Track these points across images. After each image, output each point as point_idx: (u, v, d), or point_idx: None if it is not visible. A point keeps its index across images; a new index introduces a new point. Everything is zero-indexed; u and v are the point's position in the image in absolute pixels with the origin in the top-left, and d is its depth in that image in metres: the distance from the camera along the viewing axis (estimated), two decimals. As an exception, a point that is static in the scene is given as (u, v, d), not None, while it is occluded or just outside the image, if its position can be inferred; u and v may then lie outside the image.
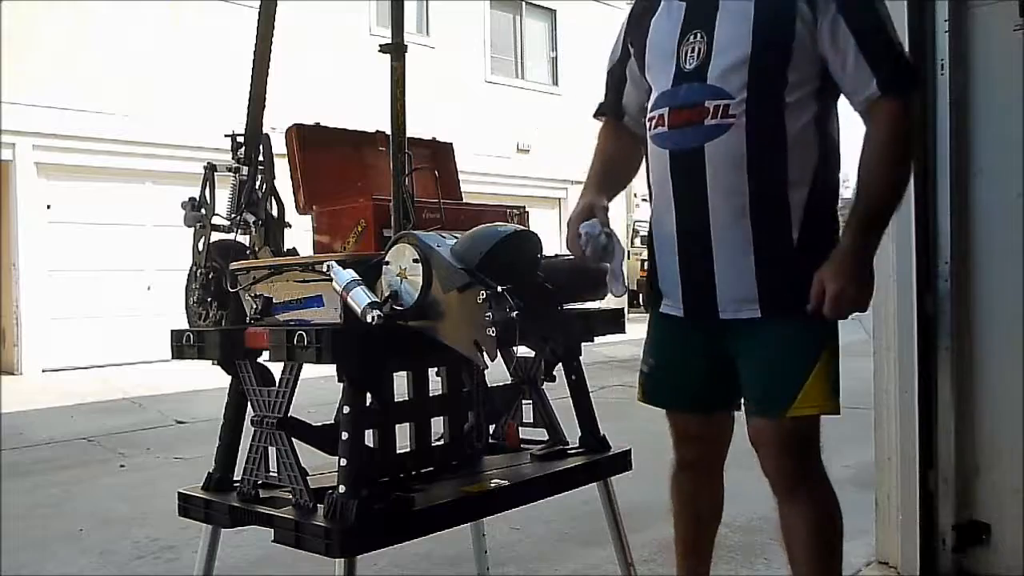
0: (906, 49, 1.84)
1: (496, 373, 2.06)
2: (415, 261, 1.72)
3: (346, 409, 1.78)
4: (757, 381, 1.89)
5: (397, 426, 2.09)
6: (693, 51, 1.84)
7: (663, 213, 1.93)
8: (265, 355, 1.94)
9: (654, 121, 1.91)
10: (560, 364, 2.32)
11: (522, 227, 1.98)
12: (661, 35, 1.92)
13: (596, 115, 2.19)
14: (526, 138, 14.61)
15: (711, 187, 1.81)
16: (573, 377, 2.32)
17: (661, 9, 1.94)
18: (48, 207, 9.49)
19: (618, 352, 9.94)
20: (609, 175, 2.09)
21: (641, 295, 2.15)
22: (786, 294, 1.82)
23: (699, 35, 1.84)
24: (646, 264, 2.20)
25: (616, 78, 2.10)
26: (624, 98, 2.09)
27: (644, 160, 2.02)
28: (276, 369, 1.96)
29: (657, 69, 1.92)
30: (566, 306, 2.07)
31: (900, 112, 1.78)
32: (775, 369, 1.86)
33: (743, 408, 1.94)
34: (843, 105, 1.88)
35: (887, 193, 1.81)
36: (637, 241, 19.27)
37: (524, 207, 2.43)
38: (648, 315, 2.08)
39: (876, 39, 1.78)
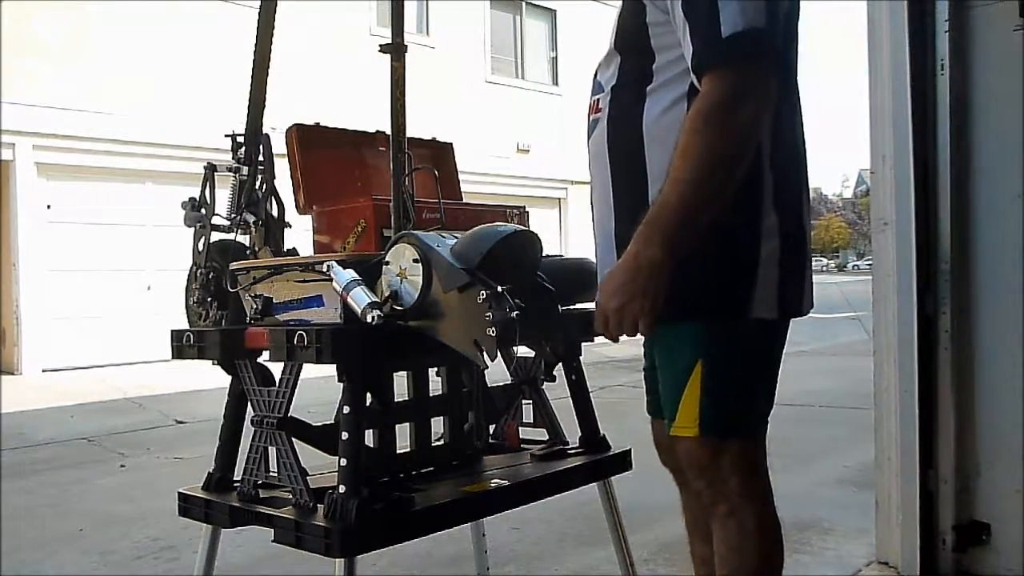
0: (742, 12, 1.45)
1: (496, 373, 2.06)
2: (415, 261, 1.72)
3: (346, 409, 1.78)
4: (656, 388, 1.78)
5: (397, 426, 2.09)
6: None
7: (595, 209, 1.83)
8: (265, 355, 1.94)
9: (591, 109, 1.81)
10: (560, 364, 2.32)
11: (522, 227, 1.98)
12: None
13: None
14: (526, 138, 14.62)
15: (592, 184, 1.76)
16: (573, 377, 2.32)
17: None
18: (48, 207, 9.49)
19: (618, 352, 9.95)
20: None
21: None
22: (687, 297, 1.56)
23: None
24: None
25: None
26: None
27: None
28: (276, 369, 1.96)
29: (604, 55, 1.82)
30: (566, 306, 2.07)
31: (712, 95, 1.46)
32: (661, 379, 1.71)
33: None
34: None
35: (672, 192, 1.47)
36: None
37: (524, 207, 2.43)
38: None
39: (695, 12, 1.49)
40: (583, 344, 2.34)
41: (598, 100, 1.72)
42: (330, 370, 1.79)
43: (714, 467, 1.65)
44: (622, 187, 1.68)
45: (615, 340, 1.57)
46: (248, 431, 1.98)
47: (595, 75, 1.77)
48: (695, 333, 1.60)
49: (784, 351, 1.73)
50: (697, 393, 1.60)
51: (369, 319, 1.68)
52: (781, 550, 1.70)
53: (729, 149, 1.47)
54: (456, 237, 1.77)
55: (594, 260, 1.80)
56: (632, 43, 1.65)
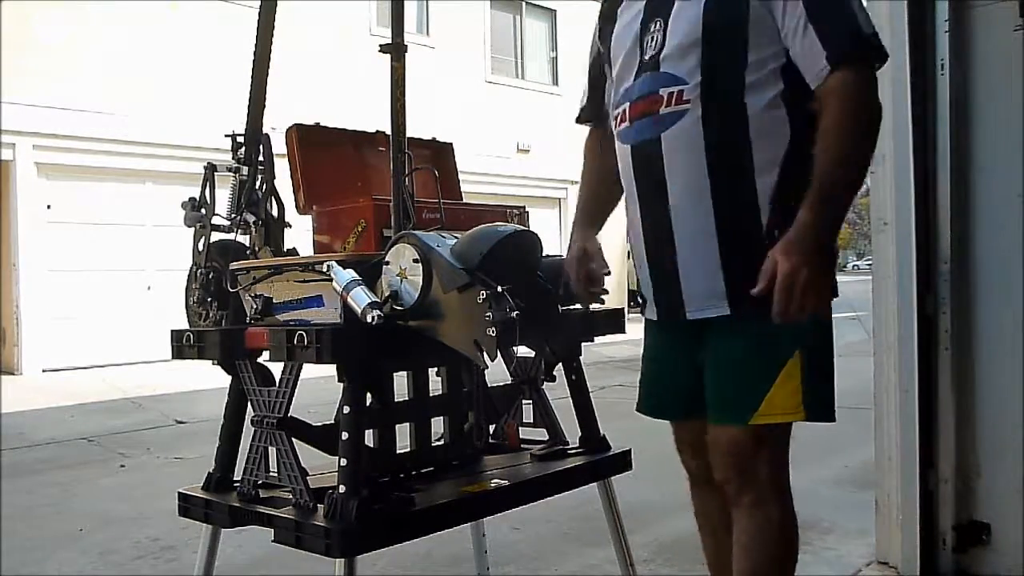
0: (867, 21, 1.65)
1: (496, 373, 2.06)
2: (415, 261, 1.73)
3: (346, 409, 1.78)
4: (717, 385, 1.76)
5: (397, 426, 2.09)
6: (653, 40, 1.74)
7: (632, 213, 1.85)
8: (265, 355, 1.94)
9: (618, 118, 1.82)
10: (560, 364, 2.32)
11: (522, 227, 1.98)
12: (624, 27, 1.82)
13: (578, 121, 2.09)
14: (526, 138, 14.61)
15: (669, 179, 1.72)
16: (573, 377, 2.32)
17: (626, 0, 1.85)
18: (48, 207, 9.49)
19: (618, 352, 9.94)
20: (597, 202, 2.02)
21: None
22: (752, 288, 1.64)
23: (659, 23, 1.73)
24: None
25: (594, 77, 1.99)
26: (605, 98, 1.96)
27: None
28: (276, 369, 1.96)
29: (622, 63, 1.82)
30: (566, 306, 2.07)
31: (854, 85, 1.61)
32: (738, 371, 1.73)
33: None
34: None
35: (838, 170, 1.60)
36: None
37: (524, 207, 2.43)
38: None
39: (827, 9, 1.62)
40: (583, 344, 2.34)
41: (680, 92, 1.68)
42: (330, 370, 1.79)
43: (769, 454, 1.74)
44: (723, 178, 1.69)
45: (800, 311, 1.58)
46: (248, 431, 1.98)
47: (651, 67, 1.73)
48: (795, 324, 1.62)
49: None
50: (796, 382, 1.68)
51: (369, 319, 1.68)
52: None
53: (873, 138, 1.66)
54: (456, 237, 1.77)
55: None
56: (723, 36, 1.67)
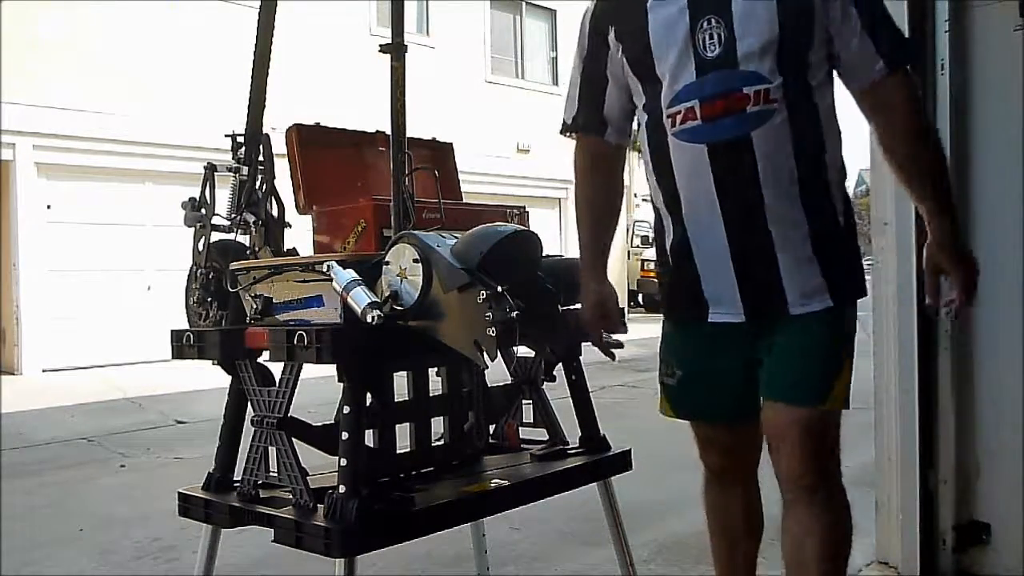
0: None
1: (496, 373, 2.06)
2: (415, 261, 1.73)
3: (346, 409, 1.78)
4: (792, 368, 1.78)
5: (397, 426, 2.09)
6: (712, 37, 1.71)
7: (702, 213, 1.77)
8: (265, 355, 1.94)
9: (680, 116, 1.74)
10: (560, 364, 2.32)
11: (522, 227, 1.98)
12: (667, 24, 1.76)
13: (568, 131, 2.00)
14: (526, 138, 14.60)
15: (763, 177, 1.71)
16: (573, 377, 2.33)
17: None
18: (48, 207, 9.48)
19: (618, 352, 9.93)
20: (606, 231, 1.98)
21: (663, 305, 2.04)
22: (846, 280, 1.78)
23: (713, 20, 1.71)
24: (663, 269, 1.95)
25: (594, 83, 1.91)
26: (606, 106, 1.91)
27: (652, 162, 1.85)
28: (276, 369, 1.96)
29: (671, 61, 1.75)
30: (566, 306, 2.07)
31: (911, 85, 1.78)
32: (816, 356, 1.78)
33: (763, 395, 1.84)
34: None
35: (937, 168, 1.80)
36: (637, 241, 19.29)
37: (524, 207, 2.43)
38: (666, 323, 1.99)
39: (878, 16, 1.75)
40: (583, 344, 2.34)
41: (767, 91, 1.69)
42: (330, 370, 1.79)
43: (835, 440, 1.79)
44: (808, 175, 1.74)
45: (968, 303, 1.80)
46: (248, 431, 1.98)
47: (722, 65, 1.71)
48: (852, 315, 1.79)
49: None
50: (849, 374, 1.78)
51: (369, 319, 1.68)
52: None
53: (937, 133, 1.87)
54: (456, 237, 1.78)
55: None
56: (794, 37, 1.70)
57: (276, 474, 1.92)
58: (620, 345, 1.94)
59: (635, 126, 1.95)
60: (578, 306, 2.01)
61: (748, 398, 1.86)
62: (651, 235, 19.58)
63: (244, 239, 2.22)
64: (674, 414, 1.97)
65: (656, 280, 2.04)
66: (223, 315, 2.14)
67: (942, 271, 1.80)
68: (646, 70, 1.80)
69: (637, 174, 21.37)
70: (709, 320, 1.83)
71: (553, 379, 2.33)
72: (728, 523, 2.02)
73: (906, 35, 1.87)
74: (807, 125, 1.73)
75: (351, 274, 1.74)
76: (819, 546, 1.76)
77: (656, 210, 1.90)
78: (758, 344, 1.81)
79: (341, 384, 1.80)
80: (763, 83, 1.69)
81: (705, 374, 1.91)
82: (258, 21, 2.23)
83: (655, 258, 2.01)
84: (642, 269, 17.88)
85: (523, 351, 2.26)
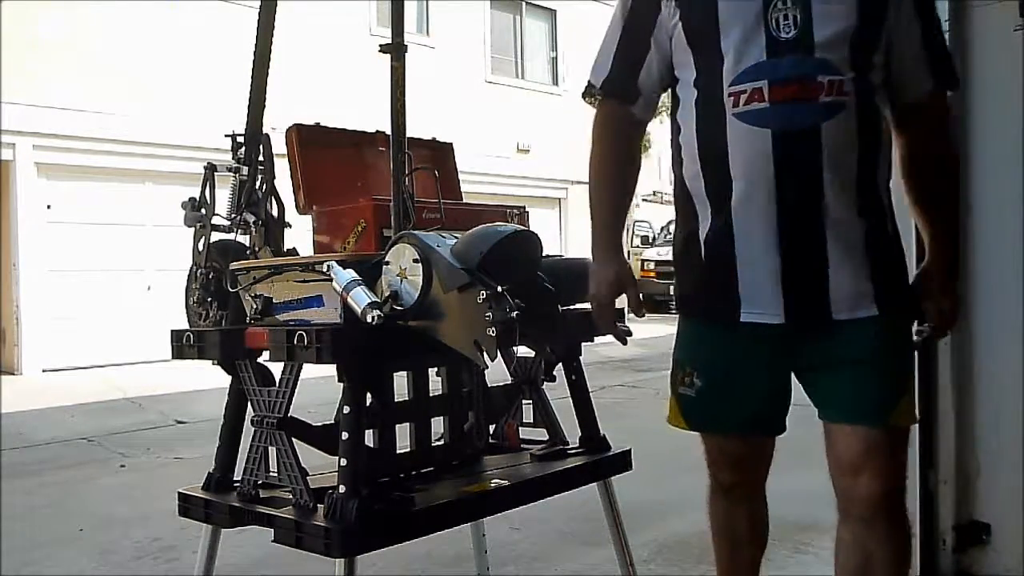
0: None
1: (496, 373, 2.06)
2: (415, 261, 1.73)
3: (346, 409, 1.78)
4: (860, 384, 1.68)
5: (397, 426, 2.09)
6: (786, 19, 1.61)
7: (756, 202, 1.64)
8: (265, 355, 1.94)
9: (745, 96, 1.62)
10: (560, 364, 2.32)
11: (522, 227, 1.98)
12: None
13: (597, 94, 1.83)
14: (526, 138, 14.61)
15: (826, 171, 1.61)
16: (573, 377, 2.33)
17: None
18: (48, 207, 9.48)
19: (618, 352, 9.94)
20: (623, 206, 1.83)
21: (682, 302, 1.84)
22: (896, 289, 1.71)
23: (790, 1, 1.61)
24: (685, 262, 1.80)
25: (635, 46, 1.75)
26: (642, 73, 1.76)
27: (698, 144, 1.70)
28: (276, 369, 1.96)
29: (738, 37, 1.63)
30: (566, 306, 2.07)
31: (949, 109, 1.79)
32: (886, 371, 1.69)
33: (826, 418, 1.73)
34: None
35: (954, 192, 1.84)
36: (637, 241, 19.29)
37: (524, 207, 2.43)
38: (685, 322, 1.84)
39: (937, 33, 1.74)
40: (583, 344, 2.34)
41: (840, 83, 1.61)
42: (330, 370, 1.79)
43: (906, 457, 1.74)
44: (865, 177, 1.67)
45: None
46: (248, 431, 1.98)
47: (798, 49, 1.61)
48: (906, 324, 1.75)
49: None
50: (914, 388, 1.75)
51: (369, 319, 1.68)
52: None
53: None
54: (456, 237, 1.78)
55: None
56: (865, 35, 1.64)
57: (276, 474, 1.93)
58: (630, 332, 1.82)
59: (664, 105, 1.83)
60: (578, 306, 2.01)
61: (772, 409, 1.78)
62: (652, 233, 19.39)
63: (244, 239, 2.22)
64: (687, 426, 1.82)
65: (675, 274, 1.85)
66: (223, 315, 2.14)
67: (929, 296, 1.75)
68: (706, 43, 1.67)
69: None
70: (742, 320, 1.69)
71: (553, 379, 2.33)
72: (734, 535, 1.95)
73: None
74: (869, 124, 1.66)
75: (351, 274, 1.74)
76: (887, 570, 1.69)
77: (685, 197, 1.76)
78: (798, 350, 1.70)
79: (341, 384, 1.80)
80: (837, 74, 1.61)
81: (729, 382, 1.77)
82: (258, 21, 2.23)
83: (675, 250, 1.85)
84: (642, 269, 17.87)
85: (523, 351, 2.26)
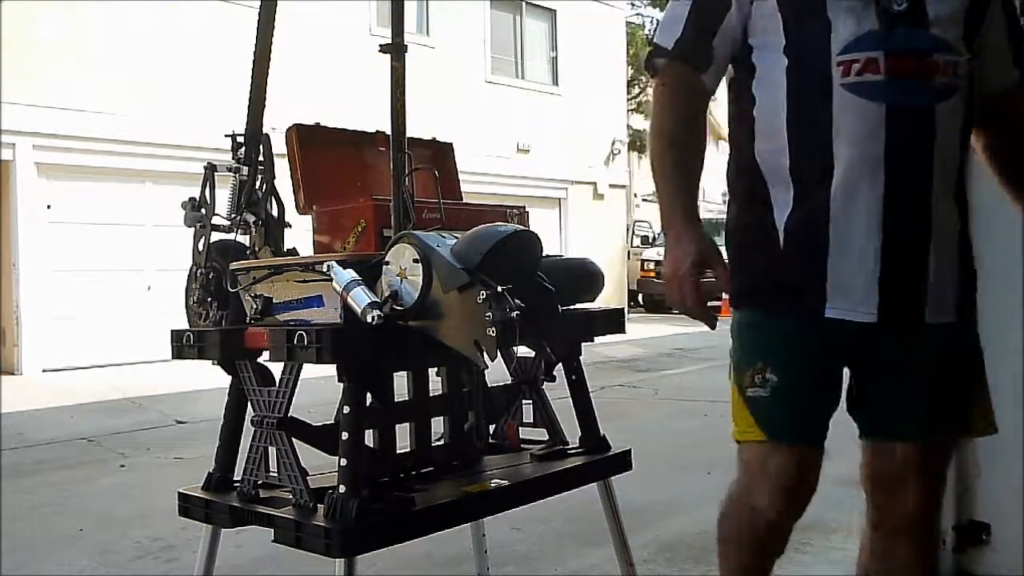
0: None
1: (496, 373, 2.06)
2: (415, 261, 1.73)
3: (346, 409, 1.78)
4: (923, 397, 1.57)
5: (397, 426, 2.09)
6: None
7: (861, 182, 1.48)
8: (265, 355, 1.94)
9: (858, 65, 1.47)
10: (560, 364, 2.32)
11: (522, 227, 1.98)
12: None
13: (660, 61, 1.62)
14: (526, 138, 14.62)
15: (936, 157, 1.48)
16: (573, 377, 2.32)
17: None
18: (48, 207, 9.48)
19: (618, 352, 9.94)
20: (696, 174, 1.60)
21: (747, 293, 1.60)
22: (973, 290, 1.59)
23: None
24: (754, 244, 1.60)
25: (714, 5, 1.57)
26: (717, 38, 1.57)
27: (790, 117, 1.53)
28: (276, 369, 1.96)
29: (846, 3, 1.48)
30: (566, 306, 2.06)
31: None
32: (961, 379, 1.61)
33: (874, 432, 1.63)
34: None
35: None
36: (637, 241, 19.30)
37: (524, 207, 2.43)
38: (750, 314, 1.62)
39: (1018, 25, 1.63)
40: (583, 344, 2.34)
41: (955, 64, 1.49)
42: (330, 370, 1.79)
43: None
44: (961, 167, 1.57)
45: None
46: (248, 431, 1.98)
47: (912, 22, 1.48)
48: (976, 331, 1.65)
49: None
50: (990, 395, 1.66)
51: (369, 319, 1.68)
52: None
53: None
54: (456, 237, 1.78)
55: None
56: (976, 18, 1.54)
57: (276, 474, 1.92)
58: (718, 310, 1.61)
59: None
60: (578, 306, 2.00)
61: (829, 415, 1.61)
62: (652, 233, 19.35)
63: (244, 239, 2.22)
64: (764, 434, 1.57)
65: (734, 263, 1.61)
66: (223, 315, 2.14)
67: None
68: (806, 5, 1.51)
69: (637, 174, 21.37)
70: (827, 315, 1.51)
71: (553, 379, 2.33)
72: (765, 566, 1.73)
73: None
74: (970, 113, 1.54)
75: (351, 274, 1.74)
76: None
77: (752, 178, 1.59)
78: (875, 351, 1.55)
79: (341, 384, 1.80)
80: (953, 54, 1.49)
81: (809, 381, 1.57)
82: (258, 21, 2.23)
83: (735, 238, 1.65)
84: (642, 269, 17.90)
85: (523, 351, 2.26)
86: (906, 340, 1.54)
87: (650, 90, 1.85)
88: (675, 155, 1.59)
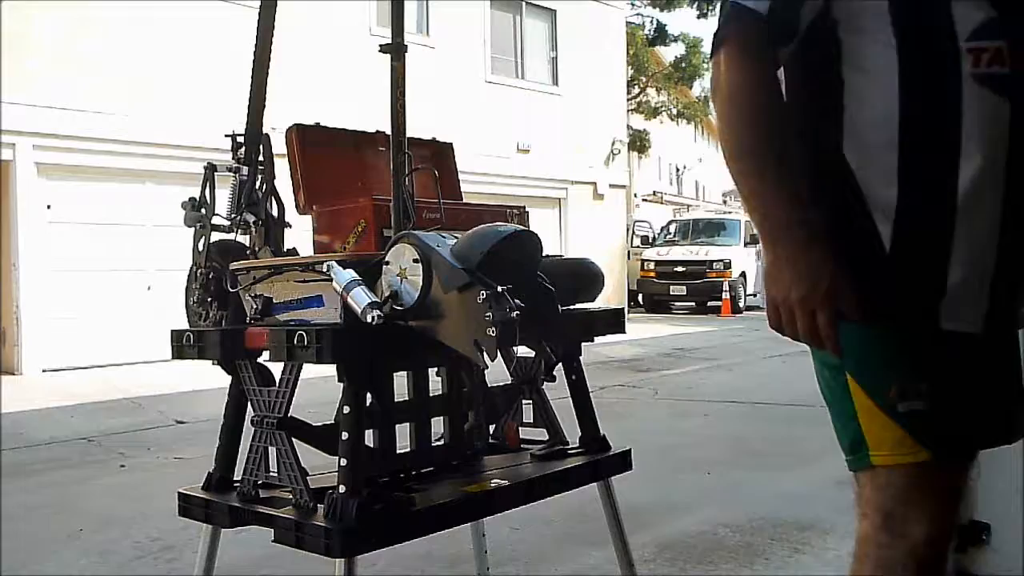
0: None
1: (496, 373, 2.06)
2: (415, 261, 1.73)
3: (346, 409, 1.78)
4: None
5: (397, 426, 2.09)
6: None
7: (987, 186, 1.32)
8: (265, 355, 1.94)
9: (988, 55, 1.30)
10: (560, 364, 2.32)
11: (522, 227, 1.98)
12: None
13: (757, 24, 1.33)
14: (526, 138, 14.63)
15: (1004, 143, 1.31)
16: (573, 377, 2.32)
17: None
18: (48, 207, 9.49)
19: (618, 352, 9.94)
20: (798, 164, 1.37)
21: (870, 300, 1.32)
22: None
23: None
24: (873, 241, 1.37)
25: None
26: (807, 6, 1.34)
27: (904, 103, 1.32)
28: (276, 369, 1.96)
29: None
30: (566, 306, 2.06)
31: None
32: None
33: None
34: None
35: None
36: (637, 241, 19.30)
37: (524, 207, 2.43)
38: (867, 331, 1.37)
39: None
40: (583, 344, 2.34)
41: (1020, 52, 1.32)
42: (330, 370, 1.79)
43: None
44: None
45: None
46: (248, 431, 1.98)
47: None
48: None
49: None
50: None
51: (369, 319, 1.68)
52: None
53: None
54: (456, 237, 1.78)
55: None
56: None
57: (276, 474, 1.93)
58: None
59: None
60: (578, 306, 2.00)
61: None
62: (652, 233, 19.34)
63: (244, 239, 2.22)
64: (928, 452, 1.38)
65: (863, 263, 1.37)
66: (223, 315, 2.14)
67: None
68: None
69: (638, 174, 21.37)
70: (944, 328, 1.36)
71: (553, 379, 2.33)
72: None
73: None
74: None
75: (351, 274, 1.74)
76: None
77: (841, 177, 1.38)
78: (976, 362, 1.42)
79: (341, 384, 1.80)
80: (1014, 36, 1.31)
81: (973, 391, 1.40)
82: (258, 21, 2.23)
83: (850, 229, 1.37)
84: (642, 269, 17.91)
85: (523, 351, 2.26)
86: (999, 341, 1.44)
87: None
88: (779, 148, 1.36)
